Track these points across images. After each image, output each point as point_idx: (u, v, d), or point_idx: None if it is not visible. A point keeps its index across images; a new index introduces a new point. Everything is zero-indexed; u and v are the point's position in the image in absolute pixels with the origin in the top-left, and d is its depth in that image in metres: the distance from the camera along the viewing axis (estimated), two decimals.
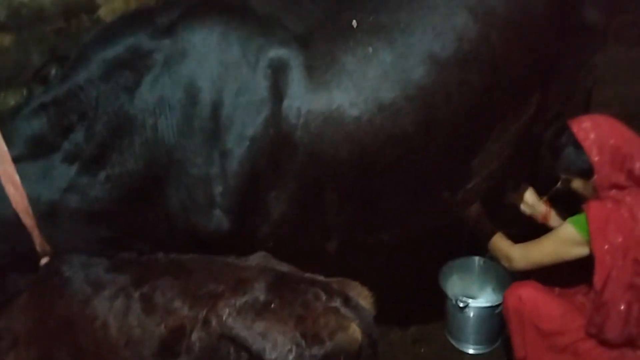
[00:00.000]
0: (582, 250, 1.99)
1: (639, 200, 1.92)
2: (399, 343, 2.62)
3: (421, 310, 2.68)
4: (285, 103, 1.63)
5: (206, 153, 1.60)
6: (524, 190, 2.30)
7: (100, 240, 1.68)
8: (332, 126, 1.66)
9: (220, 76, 1.60)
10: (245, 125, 1.61)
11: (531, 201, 2.27)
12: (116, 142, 1.60)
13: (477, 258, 2.69)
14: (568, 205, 2.23)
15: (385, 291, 2.63)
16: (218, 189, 1.62)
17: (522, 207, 2.30)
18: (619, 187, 1.95)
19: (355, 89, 1.67)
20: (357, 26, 1.70)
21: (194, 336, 1.39)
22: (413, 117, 1.71)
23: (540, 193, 2.46)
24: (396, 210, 1.88)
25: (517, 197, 2.31)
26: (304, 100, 1.64)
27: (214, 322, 1.39)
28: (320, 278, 1.52)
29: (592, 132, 1.94)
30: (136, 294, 1.48)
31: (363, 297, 1.44)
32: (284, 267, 1.53)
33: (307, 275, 1.53)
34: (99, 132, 1.59)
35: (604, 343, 2.00)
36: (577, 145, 1.95)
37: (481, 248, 2.60)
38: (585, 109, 2.40)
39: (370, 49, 1.68)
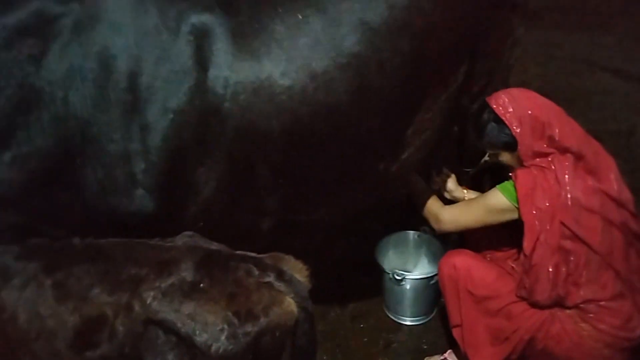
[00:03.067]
0: (509, 216, 1.99)
1: (563, 166, 1.93)
2: (338, 321, 2.57)
3: (359, 287, 2.64)
4: (211, 72, 1.48)
5: (124, 127, 1.43)
6: (447, 176, 2.31)
7: (9, 227, 1.48)
8: (262, 97, 1.54)
9: (137, 43, 1.43)
10: (167, 97, 1.45)
11: (451, 186, 2.30)
12: (22, 118, 1.40)
13: (411, 232, 2.67)
14: (495, 178, 2.24)
15: (322, 269, 2.57)
16: (139, 166, 1.46)
17: (442, 192, 2.32)
18: (543, 155, 1.95)
19: (286, 57, 1.55)
20: None
21: (117, 323, 1.23)
22: (346, 86, 1.62)
23: (469, 168, 2.49)
24: (331, 185, 1.78)
25: (439, 182, 2.32)
26: (231, 70, 1.50)
27: (137, 307, 1.24)
28: (253, 254, 1.39)
29: (510, 105, 1.93)
30: (48, 282, 1.30)
31: (297, 271, 1.34)
32: (213, 246, 1.40)
33: (239, 252, 1.40)
34: (1, 107, 1.39)
35: (535, 305, 2.01)
36: (498, 120, 1.94)
37: (416, 222, 2.58)
38: (506, 86, 2.41)
39: (300, 16, 1.56)
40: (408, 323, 2.53)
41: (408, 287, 2.44)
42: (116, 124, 1.43)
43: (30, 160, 1.43)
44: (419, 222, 2.47)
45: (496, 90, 2.11)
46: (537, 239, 1.91)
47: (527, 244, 1.93)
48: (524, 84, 3.49)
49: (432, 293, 2.46)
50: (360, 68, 1.61)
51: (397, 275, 2.39)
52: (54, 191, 1.48)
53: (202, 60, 1.47)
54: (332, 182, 1.77)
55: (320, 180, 1.75)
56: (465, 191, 2.32)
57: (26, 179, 1.44)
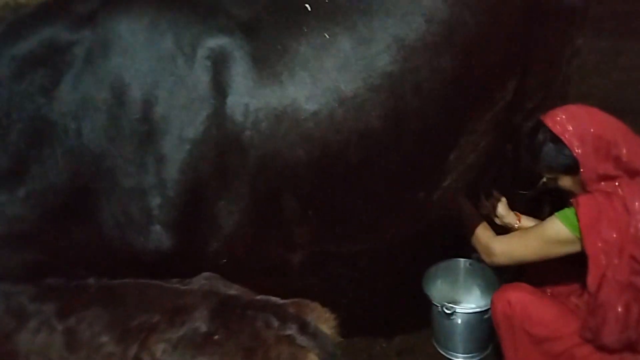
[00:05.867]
0: (571, 248, 1.73)
1: (632, 191, 1.66)
2: (384, 355, 2.36)
3: (406, 319, 2.43)
4: (230, 99, 1.35)
5: (139, 160, 1.32)
6: (497, 199, 2.08)
7: (24, 264, 1.39)
8: (286, 124, 1.38)
9: (151, 70, 1.32)
10: (183, 126, 1.32)
11: (502, 212, 2.06)
12: (35, 153, 1.32)
13: (462, 260, 2.43)
14: (556, 202, 1.99)
15: (365, 302, 2.38)
16: (155, 201, 1.33)
17: (494, 216, 2.08)
18: (609, 178, 1.70)
19: (312, 80, 1.39)
20: (311, 10, 1.42)
21: None
22: (379, 110, 1.44)
23: (524, 190, 2.23)
24: (366, 216, 1.60)
25: (489, 206, 2.08)
26: (251, 96, 1.36)
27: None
28: (275, 300, 1.23)
29: (569, 123, 1.69)
30: (60, 327, 1.19)
31: (324, 321, 1.16)
32: (232, 290, 1.25)
33: (260, 297, 1.24)
34: (14, 141, 1.31)
35: (602, 349, 1.74)
36: (556, 140, 1.71)
37: (466, 249, 2.35)
38: (565, 101, 2.15)
39: (327, 35, 1.41)
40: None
41: (459, 321, 2.21)
42: (131, 157, 1.32)
43: (44, 195, 1.34)
44: (471, 248, 2.23)
45: (553, 106, 1.87)
46: (604, 275, 1.66)
47: (591, 281, 1.67)
48: (583, 97, 3.19)
49: (487, 328, 2.20)
50: (394, 89, 1.43)
51: (447, 308, 2.16)
52: (69, 227, 1.38)
53: (220, 87, 1.34)
54: (366, 212, 1.59)
55: (353, 211, 1.57)
56: (518, 217, 2.07)
57: (41, 215, 1.36)
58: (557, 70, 2.01)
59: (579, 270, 1.76)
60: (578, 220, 1.70)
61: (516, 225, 2.06)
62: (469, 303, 2.40)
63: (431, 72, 1.46)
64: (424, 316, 2.33)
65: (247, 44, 1.36)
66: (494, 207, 2.10)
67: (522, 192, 2.33)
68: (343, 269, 1.86)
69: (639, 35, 4.21)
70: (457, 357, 2.31)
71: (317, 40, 1.40)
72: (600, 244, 1.66)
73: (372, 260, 2.41)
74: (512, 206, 2.19)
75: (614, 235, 1.65)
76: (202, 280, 1.29)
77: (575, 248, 1.73)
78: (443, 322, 2.25)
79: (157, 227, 1.35)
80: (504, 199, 2.10)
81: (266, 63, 1.37)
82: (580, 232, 1.69)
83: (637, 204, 1.65)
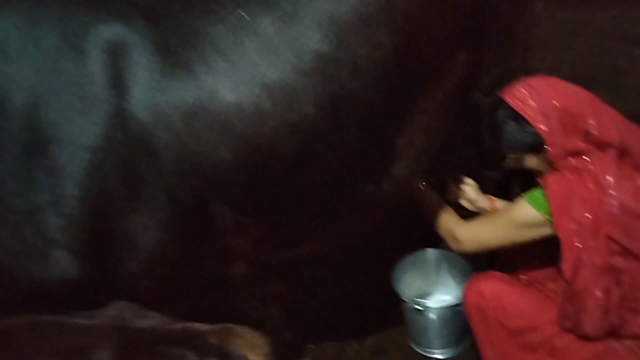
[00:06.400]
0: (542, 232, 1.58)
1: (604, 166, 1.50)
2: (357, 358, 2.18)
3: (378, 319, 2.27)
4: (133, 96, 1.15)
5: (28, 175, 1.10)
6: (465, 184, 1.92)
7: None
8: (203, 119, 1.19)
9: (34, 70, 1.11)
10: (79, 132, 1.12)
11: (472, 196, 1.90)
12: None
13: (431, 250, 2.26)
14: (525, 183, 1.82)
15: (333, 304, 2.22)
16: (53, 222, 1.13)
17: (464, 203, 1.92)
18: (577, 154, 1.54)
19: (230, 67, 1.20)
20: None
21: None
22: (313, 96, 1.25)
23: (492, 171, 2.07)
24: (311, 216, 1.41)
25: (457, 192, 1.93)
26: (159, 90, 1.16)
27: None
28: (197, 328, 1.04)
29: (531, 98, 1.52)
30: None
31: (252, 348, 0.98)
32: (146, 320, 1.05)
33: (179, 326, 1.05)
34: None
35: (583, 337, 1.58)
36: (517, 117, 1.54)
37: (435, 238, 2.18)
38: (526, 74, 1.98)
39: (245, 15, 1.21)
40: (438, 356, 2.15)
41: (432, 316, 2.06)
42: (18, 173, 1.11)
43: None
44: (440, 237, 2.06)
45: (514, 80, 1.70)
46: (579, 259, 1.50)
47: (567, 267, 1.52)
48: (551, 70, 3.02)
49: (463, 320, 2.04)
50: (328, 72, 1.25)
51: (418, 305, 2.00)
52: None
53: (119, 83, 1.13)
54: (310, 212, 1.40)
55: (295, 212, 1.39)
56: (491, 201, 1.90)
57: None
58: (515, 40, 1.84)
59: (554, 254, 1.61)
60: (547, 201, 1.53)
61: (489, 207, 1.89)
62: (443, 295, 2.26)
63: (368, 49, 1.28)
64: (396, 314, 2.19)
65: (150, 31, 1.16)
66: (464, 192, 1.93)
67: (489, 173, 2.17)
68: (294, 276, 1.69)
69: (603, 4, 4.08)
70: (433, 354, 2.17)
71: (234, 22, 1.20)
72: (573, 226, 1.51)
73: (336, 260, 2.24)
74: (482, 189, 2.03)
75: (588, 215, 1.49)
76: (111, 311, 1.09)
77: (546, 231, 1.58)
78: (416, 319, 2.11)
79: (59, 252, 1.15)
80: (473, 183, 1.94)
81: (174, 51, 1.17)
82: (550, 214, 1.53)
83: (609, 178, 1.49)
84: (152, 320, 1.08)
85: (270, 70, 1.21)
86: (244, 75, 1.20)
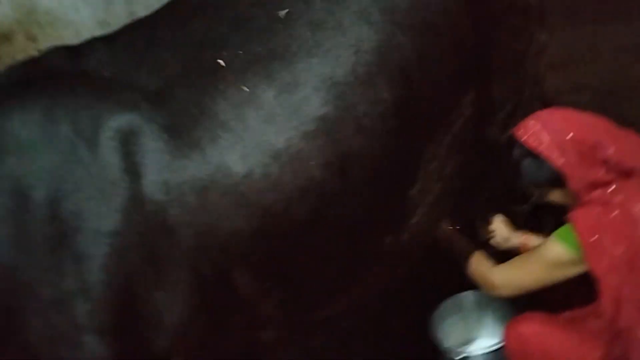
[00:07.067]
0: (577, 270, 1.51)
1: (630, 194, 1.44)
2: None
3: None
4: (147, 179, 1.19)
5: (56, 265, 1.15)
6: (495, 222, 1.85)
7: None
8: (216, 193, 1.22)
9: (52, 165, 1.17)
10: (99, 219, 1.16)
11: (504, 234, 1.82)
12: None
13: (469, 293, 2.16)
14: (557, 213, 1.75)
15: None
16: (82, 308, 1.16)
17: (495, 242, 1.85)
18: (602, 185, 1.48)
19: (237, 140, 1.23)
20: (224, 65, 1.27)
21: None
22: (319, 158, 1.27)
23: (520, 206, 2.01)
24: (333, 274, 1.40)
25: (488, 232, 1.86)
26: (171, 170, 1.20)
27: None
28: None
29: (544, 132, 1.49)
30: None
31: None
32: None
33: None
34: None
35: None
36: (533, 154, 1.50)
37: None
38: (540, 99, 1.95)
39: (246, 88, 1.25)
40: None
41: None
42: (46, 264, 1.16)
43: None
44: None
45: (529, 112, 1.67)
46: (619, 296, 1.41)
47: (606, 305, 1.44)
48: (572, 91, 2.97)
49: None
50: (332, 133, 1.26)
51: (457, 354, 1.90)
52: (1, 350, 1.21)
53: (132, 168, 1.18)
54: (332, 271, 1.39)
55: (316, 272, 1.37)
56: (524, 236, 1.82)
57: None
58: (523, 72, 1.82)
59: (593, 288, 1.52)
60: (578, 239, 1.47)
61: (522, 242, 1.82)
62: (484, 338, 2.14)
63: (370, 106, 1.29)
64: None
65: (157, 115, 1.21)
66: (495, 231, 1.87)
67: (518, 207, 2.10)
68: (328, 335, 1.65)
69: (618, 16, 4.00)
70: None
71: (236, 96, 1.24)
72: (607, 262, 1.43)
73: (373, 314, 2.18)
74: (514, 224, 1.95)
75: (620, 249, 1.41)
76: None
77: (581, 269, 1.51)
78: None
79: (90, 337, 1.17)
80: (503, 220, 1.86)
81: (182, 132, 1.21)
82: (582, 251, 1.46)
83: (638, 206, 1.42)
84: None
85: (274, 137, 1.24)
86: (251, 145, 1.23)
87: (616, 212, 1.42)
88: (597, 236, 1.43)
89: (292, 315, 1.43)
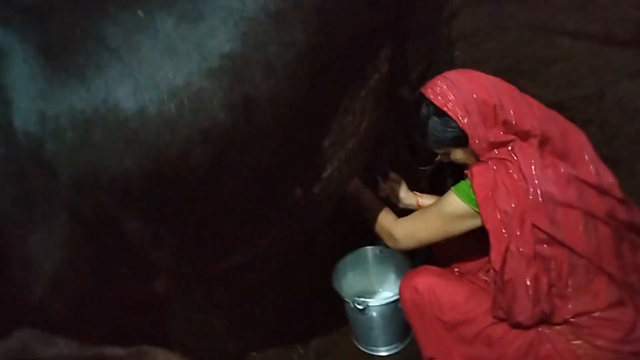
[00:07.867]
0: (473, 223, 1.57)
1: (526, 156, 1.49)
2: None
3: (322, 320, 2.19)
4: (17, 107, 1.02)
5: None
6: (395, 181, 1.90)
7: None
8: (101, 129, 1.07)
9: None
10: None
11: (401, 194, 1.88)
12: None
13: (370, 248, 2.21)
14: (457, 176, 1.79)
15: (276, 310, 2.13)
16: None
17: (393, 200, 1.89)
18: (501, 145, 1.52)
19: (128, 71, 1.08)
20: None
21: None
22: (223, 99, 1.15)
23: (424, 166, 2.04)
24: (236, 226, 1.31)
25: (387, 189, 1.90)
26: (46, 99, 1.03)
27: None
28: (111, 353, 0.93)
29: (451, 92, 1.50)
30: None
31: None
32: (53, 348, 0.93)
33: (89, 352, 0.94)
34: None
35: (517, 326, 1.57)
36: (440, 113, 1.51)
37: (374, 236, 2.13)
38: (451, 67, 1.96)
39: (141, 13, 1.09)
40: (382, 354, 2.09)
41: (374, 314, 2.00)
42: None
43: None
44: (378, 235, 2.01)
45: (439, 73, 1.66)
46: (507, 248, 1.48)
47: (495, 257, 1.50)
48: (476, 62, 3.05)
49: (404, 316, 2.00)
50: (238, 72, 1.15)
51: (358, 304, 1.93)
52: None
53: (0, 93, 1.00)
54: (236, 221, 1.31)
55: (218, 222, 1.28)
56: (418, 197, 1.87)
57: None
58: (437, 34, 1.80)
59: (485, 244, 1.58)
60: (474, 193, 1.51)
61: (418, 206, 1.86)
62: (385, 292, 2.21)
63: (281, 47, 1.19)
64: (340, 315, 2.13)
65: (33, 35, 1.03)
66: (393, 190, 1.89)
67: (422, 168, 2.14)
68: (246, 280, 1.59)
69: None
70: (378, 352, 2.11)
71: (129, 21, 1.09)
72: (499, 216, 1.49)
73: (278, 266, 2.15)
74: (416, 184, 1.99)
75: (513, 205, 1.48)
76: (12, 344, 0.96)
77: (476, 222, 1.56)
78: (358, 318, 2.06)
79: None
80: (400, 180, 1.90)
81: (61, 56, 1.05)
82: (477, 205, 1.50)
83: (532, 167, 1.48)
84: (60, 348, 0.96)
85: (173, 73, 1.11)
86: (144, 79, 1.09)
87: (510, 170, 1.47)
88: (491, 192, 1.46)
89: (189, 266, 1.34)
